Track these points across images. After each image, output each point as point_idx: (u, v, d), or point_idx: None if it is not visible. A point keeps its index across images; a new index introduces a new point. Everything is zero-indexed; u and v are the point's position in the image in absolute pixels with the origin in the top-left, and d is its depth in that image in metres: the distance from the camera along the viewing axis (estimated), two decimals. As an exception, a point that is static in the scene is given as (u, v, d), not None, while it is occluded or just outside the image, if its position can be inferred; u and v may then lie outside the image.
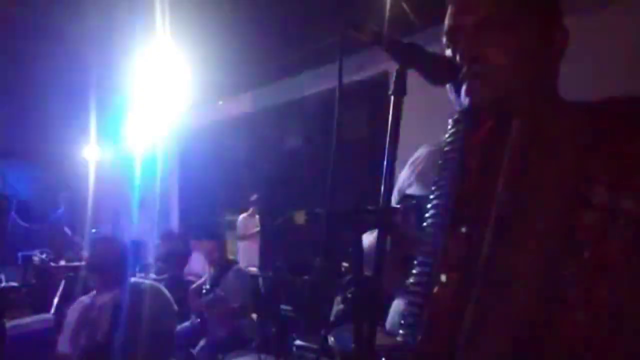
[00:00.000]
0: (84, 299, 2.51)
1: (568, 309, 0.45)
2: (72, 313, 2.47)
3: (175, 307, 2.60)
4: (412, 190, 0.88)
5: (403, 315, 0.62)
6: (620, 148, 0.46)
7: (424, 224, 0.63)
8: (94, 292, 2.49)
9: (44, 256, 5.07)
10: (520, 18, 0.74)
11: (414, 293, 0.61)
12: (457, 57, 0.74)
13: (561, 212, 0.47)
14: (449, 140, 0.64)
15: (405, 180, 0.94)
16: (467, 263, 0.55)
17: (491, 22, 0.73)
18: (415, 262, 0.63)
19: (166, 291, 2.60)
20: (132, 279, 2.57)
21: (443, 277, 0.57)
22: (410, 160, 0.95)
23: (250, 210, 5.20)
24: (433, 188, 0.65)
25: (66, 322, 2.48)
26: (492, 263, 0.53)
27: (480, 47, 0.73)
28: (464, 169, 0.60)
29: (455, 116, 0.68)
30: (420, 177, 0.87)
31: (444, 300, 0.56)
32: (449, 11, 0.80)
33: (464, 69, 0.73)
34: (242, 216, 5.28)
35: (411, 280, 0.62)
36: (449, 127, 0.64)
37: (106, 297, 2.39)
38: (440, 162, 0.64)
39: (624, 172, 0.45)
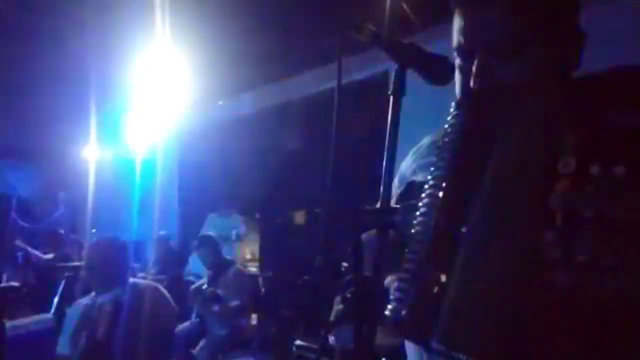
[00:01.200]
0: (84, 300, 2.52)
1: (549, 269, 0.47)
2: (72, 314, 2.48)
3: (176, 306, 2.60)
4: (415, 178, 0.88)
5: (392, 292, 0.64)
6: (591, 118, 0.50)
7: (418, 212, 0.64)
8: (93, 293, 2.49)
9: (50, 256, 5.08)
10: (533, 35, 0.72)
11: (405, 272, 0.62)
12: (472, 80, 0.73)
13: (538, 188, 0.49)
14: (449, 123, 0.64)
15: (407, 168, 0.93)
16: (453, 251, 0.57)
17: (503, 43, 0.72)
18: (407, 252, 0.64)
19: (165, 291, 2.60)
20: (131, 279, 2.57)
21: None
22: (414, 149, 0.95)
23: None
24: (430, 170, 0.65)
25: (66, 324, 2.48)
26: (475, 239, 0.55)
27: (493, 71, 0.72)
28: (460, 155, 0.61)
29: (458, 99, 0.68)
30: (423, 167, 0.88)
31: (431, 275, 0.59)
32: (457, 24, 0.78)
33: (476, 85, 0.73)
34: None
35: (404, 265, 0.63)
36: (451, 109, 0.65)
37: (106, 298, 2.40)
38: (439, 145, 0.64)
39: (593, 142, 0.48)
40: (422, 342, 0.56)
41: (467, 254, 0.55)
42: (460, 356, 0.52)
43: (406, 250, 0.63)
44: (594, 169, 0.46)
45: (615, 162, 0.45)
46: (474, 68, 0.74)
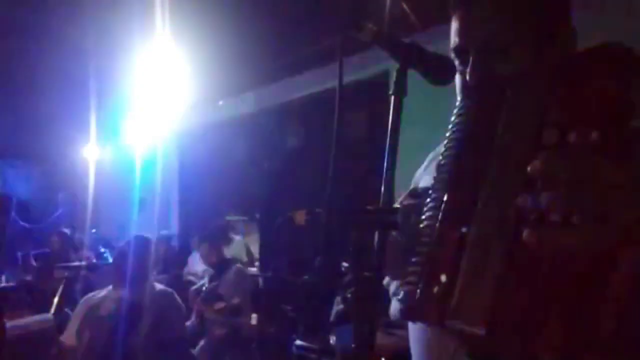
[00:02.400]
0: (96, 294, 2.52)
1: (530, 227, 0.50)
2: (81, 307, 2.48)
3: (184, 312, 2.61)
4: (424, 182, 0.90)
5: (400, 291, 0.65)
6: (572, 90, 0.53)
7: (425, 208, 0.64)
8: (110, 287, 2.49)
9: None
10: (527, 33, 0.75)
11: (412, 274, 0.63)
12: (467, 77, 0.76)
13: (522, 160, 0.52)
14: (455, 116, 0.65)
15: (423, 170, 0.96)
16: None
17: (498, 41, 0.75)
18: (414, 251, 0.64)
19: (178, 297, 2.61)
20: (151, 281, 2.58)
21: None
22: (430, 155, 0.98)
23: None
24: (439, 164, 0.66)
25: (74, 315, 2.49)
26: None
27: (489, 68, 0.75)
28: (467, 148, 0.62)
29: (461, 98, 0.69)
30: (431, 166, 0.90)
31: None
32: (453, 26, 0.81)
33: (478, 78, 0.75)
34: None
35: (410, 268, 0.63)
36: (457, 103, 0.65)
37: (118, 295, 2.40)
38: (445, 142, 0.64)
39: (573, 112, 0.51)
40: (437, 322, 0.58)
41: (468, 233, 0.58)
42: (470, 328, 0.54)
43: (413, 247, 0.63)
44: (572, 137, 0.48)
45: (591, 128, 0.48)
46: (469, 65, 0.76)
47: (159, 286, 2.62)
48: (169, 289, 2.67)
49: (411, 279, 0.62)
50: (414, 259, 0.62)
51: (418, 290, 0.60)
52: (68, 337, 2.40)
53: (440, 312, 0.57)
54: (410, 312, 0.62)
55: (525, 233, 0.49)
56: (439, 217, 0.61)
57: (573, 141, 0.48)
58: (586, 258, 0.49)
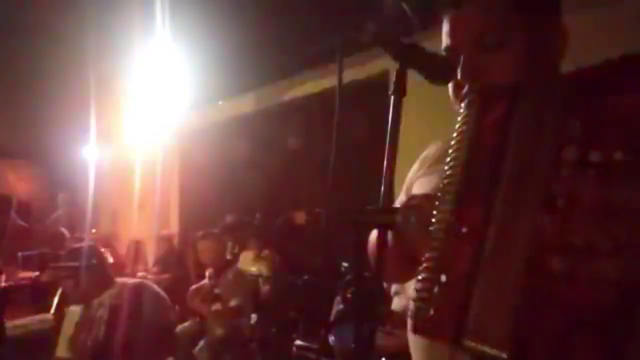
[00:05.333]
0: (74, 309, 2.52)
1: (547, 253, 0.48)
2: (70, 317, 2.48)
3: (174, 306, 2.60)
4: (420, 184, 0.89)
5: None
6: (590, 106, 0.51)
7: (433, 219, 0.63)
8: (90, 294, 2.49)
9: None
10: (516, 31, 0.76)
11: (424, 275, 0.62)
12: (459, 76, 0.77)
13: (541, 177, 0.51)
14: (461, 122, 0.64)
15: (415, 172, 0.95)
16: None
17: (487, 39, 0.76)
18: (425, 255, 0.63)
19: (160, 290, 2.61)
20: (119, 279, 2.58)
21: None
22: (422, 156, 0.98)
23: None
24: (445, 172, 0.65)
25: (64, 327, 2.49)
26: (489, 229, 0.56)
27: (480, 65, 0.76)
28: (475, 153, 0.61)
29: (469, 97, 0.68)
30: (430, 171, 0.89)
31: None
32: (444, 28, 0.82)
33: (466, 87, 0.75)
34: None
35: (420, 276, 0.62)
36: (462, 110, 0.65)
37: (102, 298, 2.40)
38: (450, 150, 0.64)
39: (593, 129, 0.49)
40: (453, 340, 0.56)
41: (484, 247, 0.56)
42: (492, 350, 0.52)
43: (427, 248, 0.62)
44: (594, 155, 0.46)
45: (614, 148, 0.46)
46: (460, 63, 0.77)
47: (130, 282, 2.61)
48: (148, 282, 2.68)
49: (423, 293, 0.60)
50: (422, 269, 0.61)
51: (431, 307, 0.58)
52: (61, 350, 2.42)
53: (457, 331, 0.55)
54: (422, 328, 0.60)
55: (555, 261, 0.47)
56: (450, 227, 0.60)
57: (596, 160, 0.46)
58: (618, 287, 0.46)
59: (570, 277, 0.47)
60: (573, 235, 0.46)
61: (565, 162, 0.48)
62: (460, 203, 0.60)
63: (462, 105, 0.65)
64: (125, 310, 2.35)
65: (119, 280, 2.54)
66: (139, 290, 2.48)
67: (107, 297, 2.40)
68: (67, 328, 2.44)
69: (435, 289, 0.58)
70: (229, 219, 5.08)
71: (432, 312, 0.58)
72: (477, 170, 0.60)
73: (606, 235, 0.45)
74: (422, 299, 0.60)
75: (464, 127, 0.62)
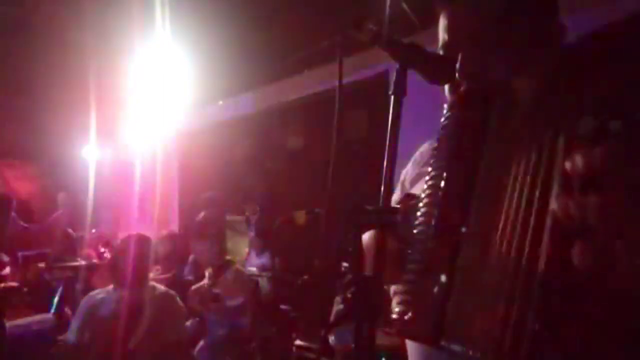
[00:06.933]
0: (96, 294, 2.50)
1: (567, 238, 0.44)
2: (82, 306, 2.46)
3: (185, 316, 2.60)
4: (419, 184, 0.89)
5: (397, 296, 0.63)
6: (598, 76, 0.48)
7: (418, 213, 0.63)
8: (110, 287, 2.48)
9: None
10: (512, 27, 0.74)
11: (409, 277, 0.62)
12: (456, 74, 0.75)
13: (551, 155, 0.47)
14: (443, 124, 0.64)
15: (409, 173, 0.95)
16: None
17: (483, 35, 0.75)
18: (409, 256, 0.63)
19: (179, 301, 2.60)
20: (151, 283, 2.57)
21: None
22: (415, 155, 0.97)
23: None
24: (428, 171, 0.65)
25: (76, 315, 2.47)
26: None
27: (477, 62, 0.74)
28: (456, 151, 0.61)
29: (451, 100, 0.68)
30: (421, 175, 0.88)
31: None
32: (440, 25, 0.82)
33: (464, 85, 0.74)
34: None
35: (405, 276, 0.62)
36: (444, 111, 0.65)
37: (118, 295, 2.39)
38: (435, 146, 0.64)
39: (608, 97, 0.45)
40: (431, 342, 0.56)
41: (468, 248, 0.55)
42: (471, 352, 0.52)
43: (408, 251, 0.62)
44: (614, 124, 0.41)
45: (636, 114, 0.41)
46: (458, 61, 0.76)
47: (160, 288, 2.61)
48: (171, 292, 2.65)
49: (405, 296, 0.59)
50: (407, 269, 0.61)
51: (410, 309, 0.58)
52: (70, 334, 2.39)
53: (434, 331, 0.54)
54: (404, 330, 0.60)
55: (577, 249, 0.42)
56: (430, 228, 0.59)
57: (615, 130, 0.41)
58: None
59: (596, 270, 0.42)
60: (597, 222, 0.41)
61: (582, 136, 0.43)
62: (442, 205, 0.60)
63: (445, 105, 0.65)
64: (164, 315, 2.35)
65: (151, 283, 2.55)
66: (163, 298, 2.49)
67: (148, 294, 2.38)
68: (82, 313, 2.41)
69: (416, 291, 0.58)
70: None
71: (410, 314, 0.58)
72: (459, 172, 0.60)
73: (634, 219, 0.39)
74: (402, 301, 0.60)
75: (447, 128, 0.62)
